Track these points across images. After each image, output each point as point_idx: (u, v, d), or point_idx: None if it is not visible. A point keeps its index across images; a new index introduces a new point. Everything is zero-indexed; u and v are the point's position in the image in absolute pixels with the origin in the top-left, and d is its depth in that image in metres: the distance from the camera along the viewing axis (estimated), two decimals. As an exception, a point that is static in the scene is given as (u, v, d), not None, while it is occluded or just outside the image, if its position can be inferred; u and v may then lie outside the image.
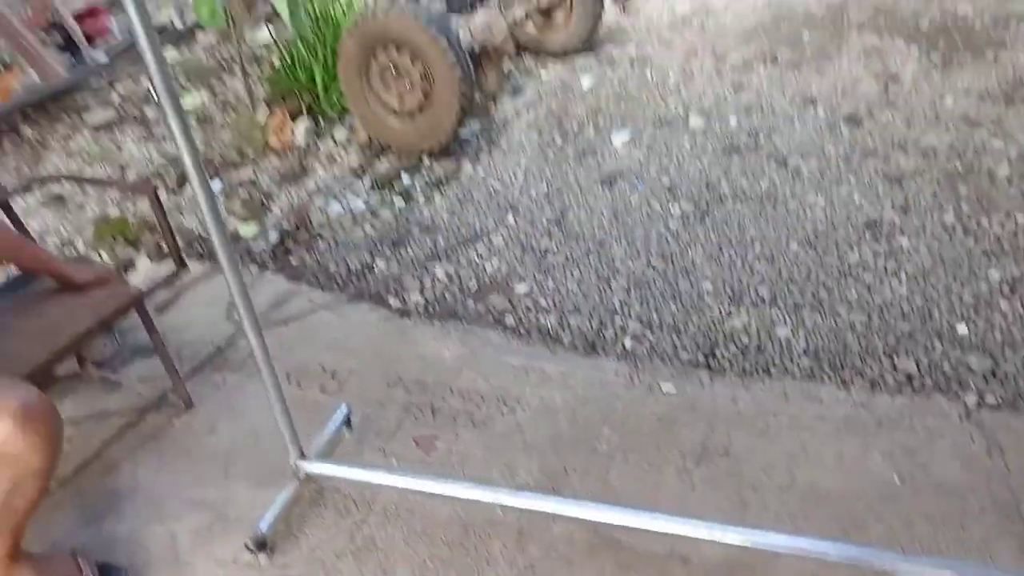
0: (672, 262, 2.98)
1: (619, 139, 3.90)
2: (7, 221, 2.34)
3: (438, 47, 3.47)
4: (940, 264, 2.78)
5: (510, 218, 3.36)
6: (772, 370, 2.43)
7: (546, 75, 4.74)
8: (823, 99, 4.02)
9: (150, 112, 4.53)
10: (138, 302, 2.20)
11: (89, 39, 5.00)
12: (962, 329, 2.49)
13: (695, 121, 3.95)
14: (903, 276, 2.75)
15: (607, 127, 4.04)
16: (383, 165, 3.88)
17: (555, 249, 3.13)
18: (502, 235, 3.26)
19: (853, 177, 3.34)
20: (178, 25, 5.56)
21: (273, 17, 5.05)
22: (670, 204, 3.32)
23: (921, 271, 2.76)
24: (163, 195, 3.73)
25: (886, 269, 2.79)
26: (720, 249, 3.01)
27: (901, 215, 3.07)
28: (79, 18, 5.04)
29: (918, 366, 2.37)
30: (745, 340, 2.56)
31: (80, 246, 3.39)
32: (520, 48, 4.96)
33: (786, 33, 4.89)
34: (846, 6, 5.17)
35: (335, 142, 4.07)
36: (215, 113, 4.44)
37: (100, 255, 3.30)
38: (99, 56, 4.94)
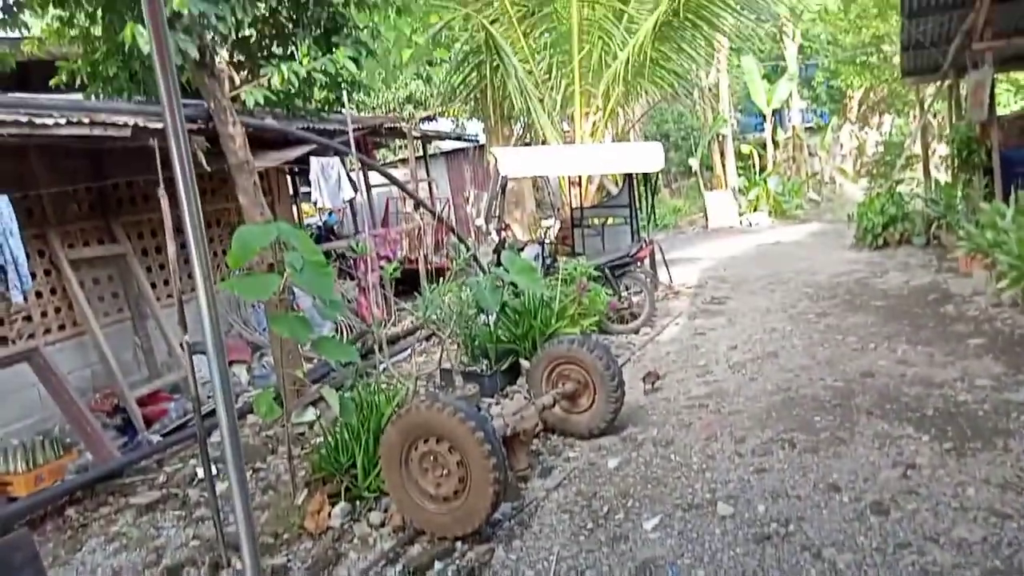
0: (718, 669, 2.83)
1: (649, 524, 3.95)
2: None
3: (475, 439, 3.73)
4: None
5: (545, 616, 3.29)
6: None
7: (573, 454, 4.95)
8: (846, 486, 4.12)
9: (193, 493, 4.69)
10: None
11: (147, 421, 5.39)
12: None
13: (723, 507, 4.03)
14: None
15: (636, 510, 4.10)
16: (416, 550, 3.89)
17: (594, 653, 3.01)
18: (537, 637, 3.15)
19: (891, 573, 3.30)
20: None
21: (318, 401, 5.48)
22: (709, 601, 3.26)
23: None
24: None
25: None
26: (768, 656, 2.88)
27: (950, 618, 2.98)
28: (141, 402, 5.49)
29: None
30: None
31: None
32: (547, 428, 5.26)
33: (798, 417, 5.18)
34: (851, 392, 5.52)
35: (370, 525, 4.14)
36: (255, 494, 4.60)
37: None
38: (152, 437, 5.27)
